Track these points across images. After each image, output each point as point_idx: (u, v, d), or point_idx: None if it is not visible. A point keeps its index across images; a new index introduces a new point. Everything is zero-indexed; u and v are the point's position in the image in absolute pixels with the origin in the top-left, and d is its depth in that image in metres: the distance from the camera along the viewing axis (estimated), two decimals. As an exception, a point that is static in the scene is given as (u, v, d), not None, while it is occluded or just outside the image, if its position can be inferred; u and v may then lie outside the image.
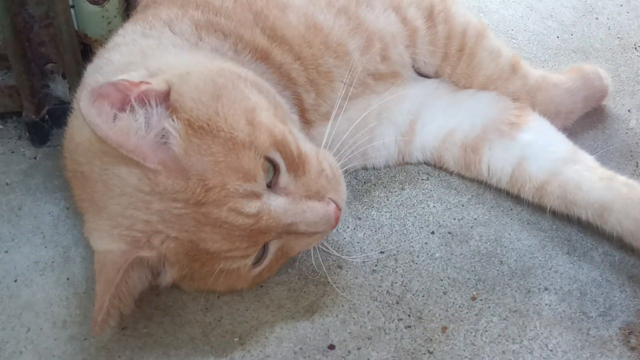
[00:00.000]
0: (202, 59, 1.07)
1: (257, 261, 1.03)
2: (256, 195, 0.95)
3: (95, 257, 0.99)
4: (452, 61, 1.32)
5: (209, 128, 0.93)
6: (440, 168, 1.36)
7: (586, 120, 1.46)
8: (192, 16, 1.13)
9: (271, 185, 0.98)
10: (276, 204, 0.97)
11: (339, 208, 1.03)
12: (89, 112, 0.87)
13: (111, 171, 0.95)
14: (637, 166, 1.36)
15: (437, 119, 1.33)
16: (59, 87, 1.33)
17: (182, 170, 0.92)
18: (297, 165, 1.00)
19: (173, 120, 0.93)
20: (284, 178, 0.99)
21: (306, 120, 1.19)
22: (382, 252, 1.21)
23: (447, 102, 1.34)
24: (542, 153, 1.26)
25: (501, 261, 1.20)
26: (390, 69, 1.28)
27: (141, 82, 0.93)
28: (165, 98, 0.94)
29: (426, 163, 1.37)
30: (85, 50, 1.31)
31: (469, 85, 1.34)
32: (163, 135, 0.93)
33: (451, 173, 1.35)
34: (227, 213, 0.93)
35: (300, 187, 1.00)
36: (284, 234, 1.01)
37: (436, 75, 1.35)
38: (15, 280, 1.16)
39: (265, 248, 1.03)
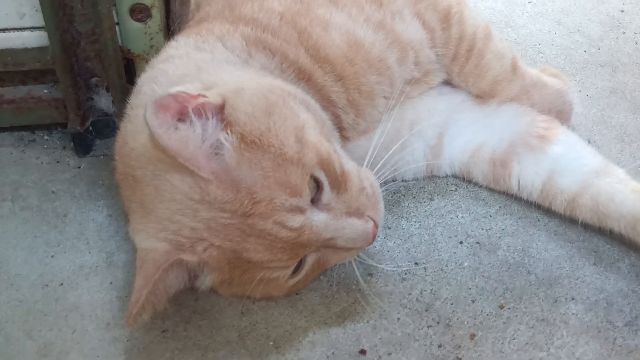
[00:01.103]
0: (253, 76, 1.10)
1: (295, 271, 1.06)
2: (300, 210, 0.97)
3: (138, 253, 1.03)
4: (460, 61, 1.34)
5: (260, 143, 0.96)
6: (469, 182, 1.38)
7: (613, 134, 1.47)
8: (243, 32, 1.16)
9: (314, 201, 1.01)
10: (318, 220, 1.00)
11: (376, 225, 1.05)
12: (153, 122, 0.91)
13: (163, 177, 0.98)
14: (664, 180, 1.37)
15: (464, 133, 1.36)
16: (102, 100, 1.37)
17: (233, 181, 0.95)
18: (339, 182, 1.03)
19: (227, 133, 0.96)
20: (327, 195, 1.02)
21: (343, 137, 1.21)
22: (416, 264, 1.23)
23: (473, 116, 1.36)
24: (574, 166, 1.27)
25: (528, 271, 1.22)
26: (422, 71, 1.30)
27: (199, 95, 0.96)
28: (220, 111, 0.97)
29: (454, 177, 1.39)
30: (128, 64, 1.35)
31: (477, 86, 1.36)
32: (217, 147, 0.96)
33: (477, 185, 1.37)
34: (272, 225, 0.96)
35: (342, 204, 1.03)
36: (322, 247, 1.04)
37: (446, 75, 1.38)
38: (62, 284, 1.20)
39: (303, 259, 1.05)
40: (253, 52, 1.15)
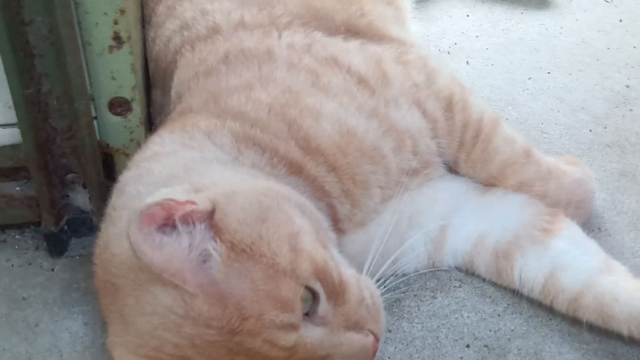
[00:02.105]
0: (245, 176, 1.07)
1: None
2: (293, 327, 0.92)
3: None
4: (467, 147, 1.33)
5: (251, 252, 0.92)
6: (472, 274, 1.33)
7: (625, 221, 1.43)
8: (231, 128, 1.14)
9: (310, 313, 0.96)
10: (313, 336, 0.94)
11: (377, 339, 1.00)
12: (136, 239, 0.87)
13: (145, 288, 0.93)
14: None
15: (468, 222, 1.33)
16: (79, 197, 1.34)
17: (220, 295, 0.90)
18: (337, 293, 0.98)
19: (216, 241, 0.92)
20: (323, 307, 0.96)
21: (338, 229, 1.18)
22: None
23: (477, 204, 1.34)
24: (576, 263, 1.25)
25: (542, 379, 1.15)
26: (421, 162, 1.29)
27: (187, 202, 0.92)
28: (210, 217, 0.93)
29: (457, 268, 1.35)
30: (107, 159, 1.33)
31: (485, 171, 1.34)
32: (204, 256, 0.92)
33: (484, 280, 1.32)
34: (262, 344, 0.91)
35: (339, 317, 0.98)
36: None
37: (452, 164, 1.37)
38: (30, 406, 1.14)
39: None
40: (242, 149, 1.12)
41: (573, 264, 1.24)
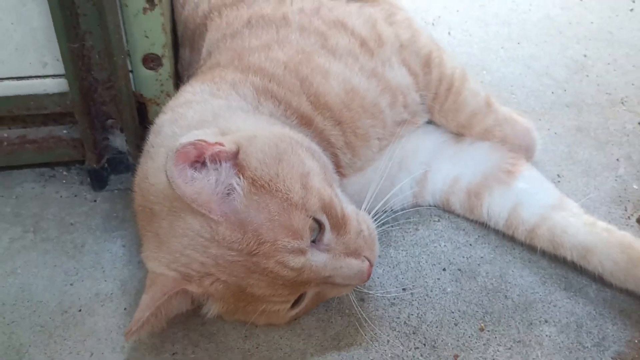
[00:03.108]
0: (264, 124, 1.10)
1: (295, 304, 1.06)
2: (301, 252, 0.97)
3: (149, 274, 1.03)
4: (440, 99, 1.36)
5: (269, 187, 0.96)
6: (448, 211, 1.39)
7: (579, 169, 1.48)
8: (252, 81, 1.16)
9: (316, 241, 1.01)
10: (318, 260, 1.00)
11: (371, 265, 1.06)
12: (172, 173, 0.91)
13: (178, 214, 0.98)
14: (625, 210, 1.39)
15: (445, 167, 1.37)
16: (117, 140, 1.38)
17: (241, 223, 0.95)
18: (340, 225, 1.03)
19: (239, 178, 0.96)
20: (328, 236, 1.02)
21: (340, 173, 1.21)
22: (403, 289, 1.23)
23: (453, 151, 1.38)
24: (534, 200, 1.30)
25: (506, 296, 1.23)
26: (410, 112, 1.32)
27: (216, 143, 0.96)
28: (234, 157, 0.97)
29: (436, 206, 1.40)
30: (140, 108, 1.36)
31: (455, 120, 1.37)
32: (228, 190, 0.96)
33: (458, 216, 1.38)
34: (274, 265, 0.96)
35: (341, 245, 1.03)
36: (321, 283, 1.04)
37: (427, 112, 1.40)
38: (80, 310, 1.20)
39: (302, 294, 1.06)
40: (262, 100, 1.15)
41: (531, 201, 1.30)
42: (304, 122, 1.16)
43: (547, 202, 1.30)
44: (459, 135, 1.40)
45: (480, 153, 1.37)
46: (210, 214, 0.95)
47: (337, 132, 1.19)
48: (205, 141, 0.95)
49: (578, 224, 1.26)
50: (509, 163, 1.35)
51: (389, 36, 1.31)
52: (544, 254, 1.29)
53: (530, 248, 1.30)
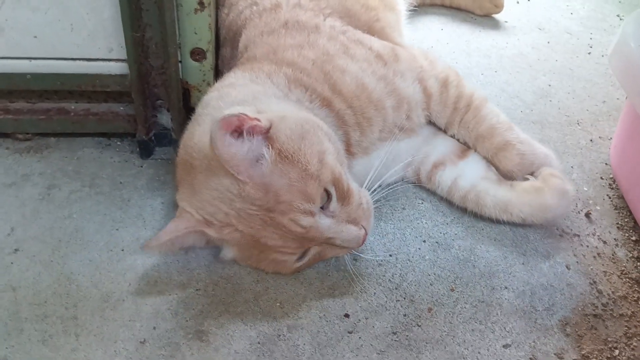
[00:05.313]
0: (292, 108, 1.10)
1: (300, 258, 1.06)
2: (311, 214, 0.97)
3: (179, 208, 1.04)
4: (460, 113, 1.33)
5: (292, 159, 0.96)
6: (417, 181, 1.37)
7: None
8: (285, 72, 1.17)
9: (323, 208, 1.01)
10: (323, 223, 1.00)
11: (366, 233, 1.06)
12: (215, 136, 0.92)
13: (213, 171, 0.98)
14: (576, 206, 1.38)
15: (422, 151, 1.37)
16: (164, 118, 1.38)
17: (264, 185, 0.95)
18: (344, 197, 1.03)
19: (269, 148, 0.96)
20: (334, 205, 1.02)
21: (350, 153, 1.21)
22: (390, 255, 1.23)
23: (428, 142, 1.37)
24: (468, 173, 1.31)
25: (474, 265, 1.22)
26: (410, 126, 1.31)
27: (254, 118, 0.96)
28: (266, 131, 0.98)
29: (410, 179, 1.38)
30: (185, 93, 1.36)
31: (475, 130, 1.32)
32: (258, 157, 0.96)
33: (440, 199, 1.36)
34: (288, 221, 0.96)
35: (344, 213, 1.03)
36: (323, 243, 1.04)
37: (445, 126, 1.37)
38: (122, 250, 1.19)
39: (307, 250, 1.05)
40: (292, 87, 1.16)
41: (467, 174, 1.31)
42: (325, 104, 1.17)
43: (478, 174, 1.31)
44: (469, 148, 1.36)
45: (444, 142, 1.37)
46: (238, 175, 0.95)
47: (349, 113, 1.20)
48: (246, 115, 0.95)
49: (497, 187, 1.27)
50: (461, 150, 1.36)
51: (406, 58, 1.32)
52: (478, 216, 1.30)
53: (499, 231, 1.29)
